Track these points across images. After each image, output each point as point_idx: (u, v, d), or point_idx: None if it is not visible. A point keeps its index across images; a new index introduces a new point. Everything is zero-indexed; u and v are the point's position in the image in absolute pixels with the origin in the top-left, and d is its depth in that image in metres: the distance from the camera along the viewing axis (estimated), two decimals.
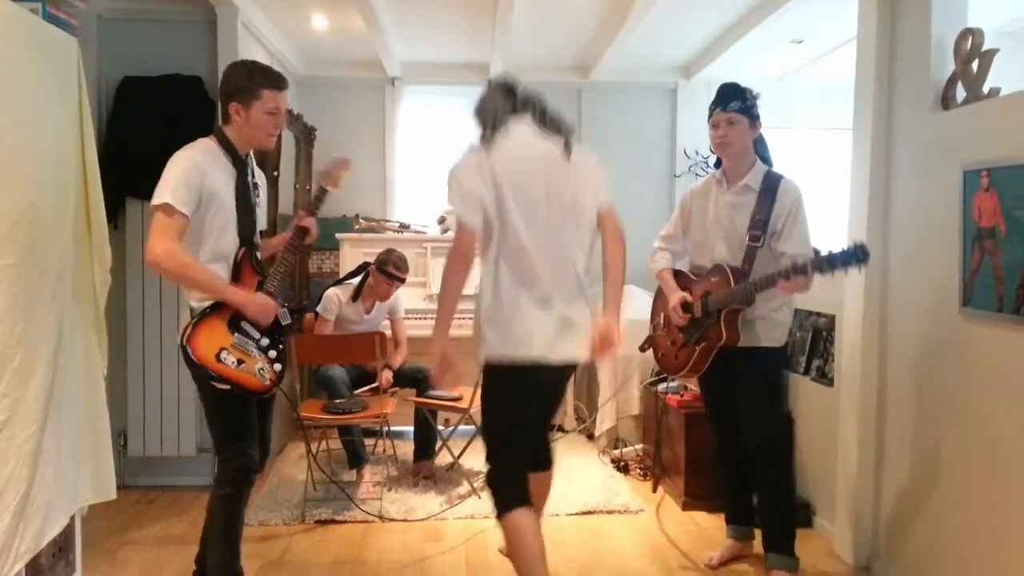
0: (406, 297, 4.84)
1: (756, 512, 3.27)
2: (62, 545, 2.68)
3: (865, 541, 3.32)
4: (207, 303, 2.61)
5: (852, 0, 3.43)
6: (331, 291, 4.50)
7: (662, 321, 3.37)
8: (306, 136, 5.39)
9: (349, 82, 5.86)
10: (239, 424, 2.68)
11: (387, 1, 4.38)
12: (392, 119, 5.96)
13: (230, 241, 2.67)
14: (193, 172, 2.54)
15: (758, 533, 3.36)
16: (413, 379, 4.50)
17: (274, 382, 2.71)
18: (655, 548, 3.55)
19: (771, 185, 3.02)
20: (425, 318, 5.18)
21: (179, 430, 4.22)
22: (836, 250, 2.62)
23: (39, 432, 2.38)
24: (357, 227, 5.54)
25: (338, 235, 5.40)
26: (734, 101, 3.08)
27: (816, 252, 2.87)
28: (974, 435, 2.70)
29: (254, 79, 2.66)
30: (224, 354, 2.58)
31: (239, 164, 2.71)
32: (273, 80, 2.69)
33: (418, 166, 6.02)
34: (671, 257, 3.39)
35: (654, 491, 4.25)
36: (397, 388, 4.46)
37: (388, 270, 4.37)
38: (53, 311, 2.50)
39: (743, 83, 3.17)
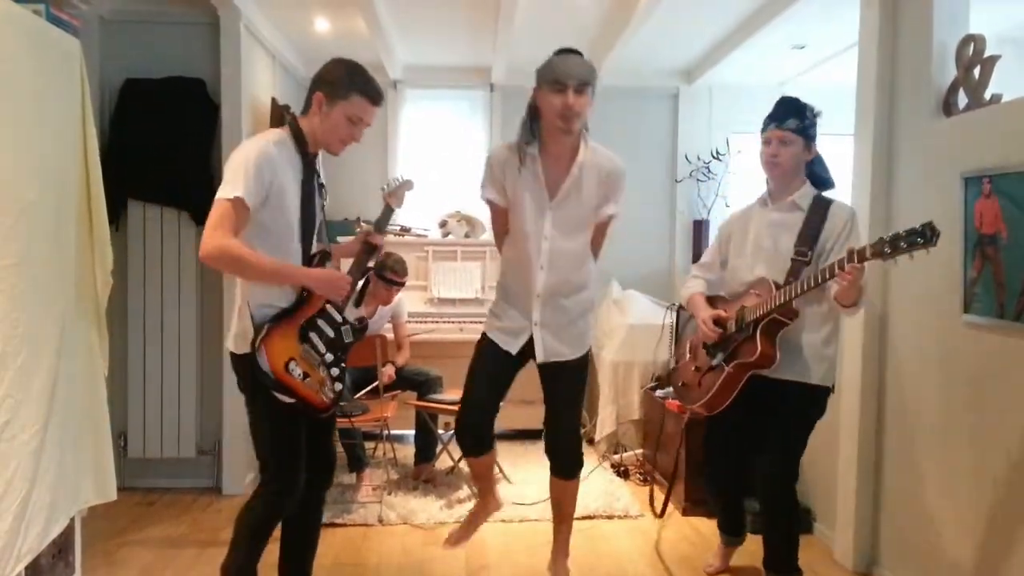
0: (408, 301, 4.84)
1: (760, 530, 3.09)
2: (62, 546, 2.68)
3: (865, 547, 3.32)
4: (272, 310, 2.42)
5: (854, 6, 3.43)
6: None
7: (687, 350, 3.17)
8: None
9: None
10: (288, 442, 2.51)
11: (389, 4, 4.39)
12: (394, 122, 5.96)
13: (292, 245, 2.46)
14: (265, 165, 2.33)
15: (754, 536, 3.37)
16: (414, 382, 4.50)
17: (334, 401, 2.55)
18: (655, 553, 3.55)
19: (822, 205, 2.82)
20: (427, 321, 5.18)
21: (179, 431, 4.22)
22: (901, 230, 2.34)
23: (41, 433, 2.39)
24: (358, 230, 5.54)
25: (339, 238, 5.39)
26: (791, 119, 2.82)
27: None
28: (975, 441, 2.70)
29: (352, 79, 2.47)
30: (292, 365, 2.41)
31: (308, 161, 2.51)
32: (370, 89, 2.49)
33: (420, 169, 6.02)
34: (705, 284, 3.15)
35: (652, 502, 4.22)
36: (398, 391, 4.46)
37: (386, 275, 4.37)
38: (54, 312, 2.50)
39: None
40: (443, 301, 5.31)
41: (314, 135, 2.50)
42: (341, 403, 4.02)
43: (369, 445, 4.64)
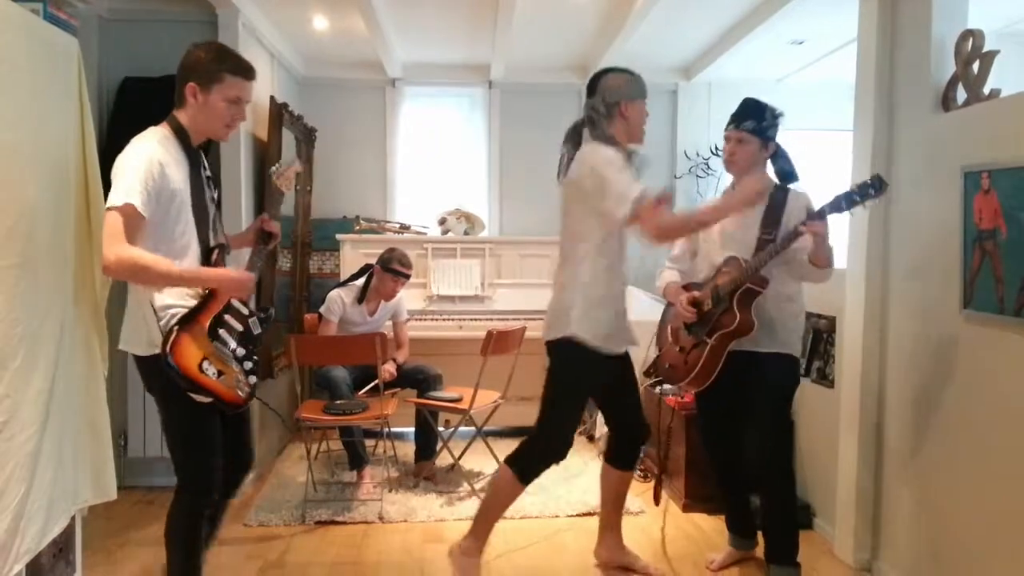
0: (407, 298, 4.84)
1: (758, 519, 3.21)
2: (62, 545, 2.68)
3: (865, 543, 3.32)
4: (178, 310, 2.38)
5: (853, 1, 3.43)
6: (334, 292, 4.50)
7: (669, 334, 3.32)
8: (306, 137, 5.39)
9: (350, 83, 5.86)
10: (204, 441, 2.46)
11: (388, 2, 4.38)
12: (392, 120, 5.96)
13: (191, 242, 2.43)
14: (155, 168, 2.27)
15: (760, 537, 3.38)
16: (414, 380, 4.50)
17: (249, 396, 2.51)
18: (655, 550, 3.55)
19: (781, 192, 3.02)
20: (426, 319, 5.19)
21: None
22: (852, 185, 2.60)
23: (40, 432, 2.38)
24: (358, 228, 5.55)
25: (339, 236, 5.40)
26: (749, 120, 3.02)
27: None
28: (975, 437, 2.70)
29: (221, 62, 2.43)
30: (206, 364, 2.36)
31: (192, 155, 2.45)
32: (241, 66, 2.46)
33: (419, 167, 6.03)
34: (678, 274, 3.33)
35: (656, 496, 4.21)
36: (398, 389, 4.46)
37: (393, 267, 4.37)
38: (54, 312, 2.50)
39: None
40: (442, 298, 5.31)
41: (196, 126, 2.46)
42: (338, 400, 4.06)
43: (369, 443, 4.64)
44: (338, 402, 4.08)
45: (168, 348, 2.31)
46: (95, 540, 3.43)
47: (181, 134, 2.44)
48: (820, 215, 2.73)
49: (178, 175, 2.37)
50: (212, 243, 2.51)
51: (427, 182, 6.02)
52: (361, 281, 4.56)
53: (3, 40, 2.22)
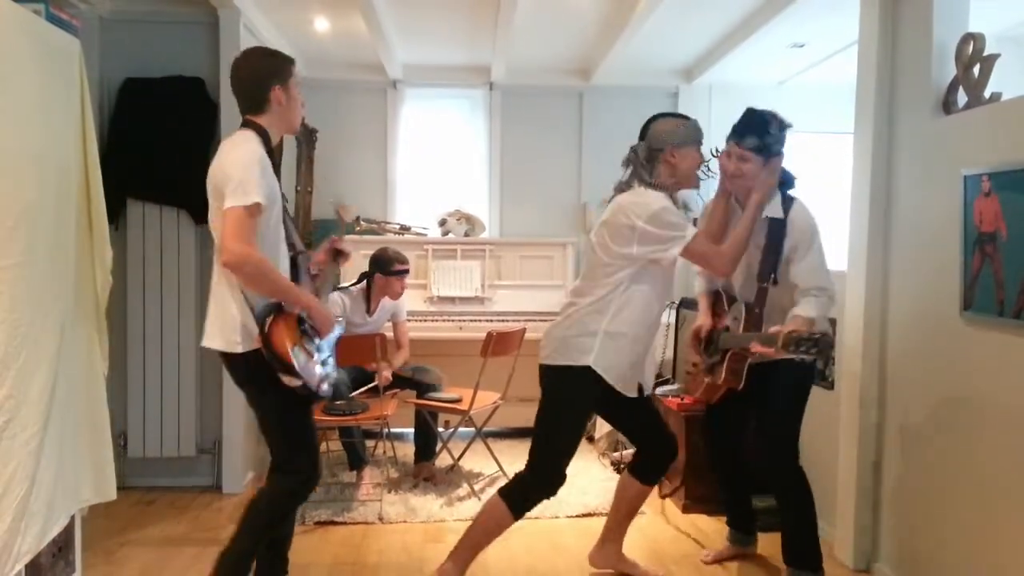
0: (407, 299, 4.84)
1: (779, 524, 3.15)
2: (62, 545, 2.68)
3: (865, 544, 3.32)
4: (269, 301, 2.45)
5: (854, 4, 3.43)
6: (335, 294, 4.50)
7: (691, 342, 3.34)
8: (307, 138, 5.40)
9: (350, 84, 5.86)
10: (303, 430, 2.59)
11: (389, 3, 4.39)
12: (393, 121, 5.96)
13: (283, 246, 2.54)
14: (267, 169, 2.39)
15: (762, 536, 3.38)
16: (414, 380, 4.50)
17: (327, 390, 2.60)
18: (655, 551, 3.55)
19: (778, 222, 2.92)
20: (426, 320, 5.19)
21: (179, 430, 4.23)
22: (806, 334, 2.58)
23: (41, 432, 2.39)
24: (358, 229, 5.55)
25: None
26: (751, 137, 2.88)
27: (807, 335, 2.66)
28: (974, 438, 2.70)
29: (284, 58, 2.55)
30: (296, 350, 2.44)
31: (275, 160, 2.54)
32: (290, 58, 2.60)
33: (419, 168, 6.03)
34: (705, 281, 3.30)
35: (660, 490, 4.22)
36: (397, 389, 4.46)
37: (395, 269, 4.35)
38: (55, 312, 2.50)
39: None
40: (442, 300, 5.31)
41: (278, 127, 2.56)
42: (338, 401, 4.06)
43: (369, 443, 4.64)
44: (338, 403, 4.08)
45: (266, 329, 2.40)
46: (95, 540, 3.42)
47: (265, 139, 2.51)
48: (770, 343, 2.72)
49: (273, 179, 2.47)
50: (297, 248, 2.62)
51: (427, 183, 6.01)
52: (363, 284, 4.55)
53: (4, 40, 2.22)
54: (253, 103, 2.52)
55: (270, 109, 2.52)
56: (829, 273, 2.89)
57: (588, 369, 2.79)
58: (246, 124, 2.53)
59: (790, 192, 3.00)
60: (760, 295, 2.94)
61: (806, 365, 2.96)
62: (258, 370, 2.46)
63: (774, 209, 2.91)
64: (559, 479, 2.90)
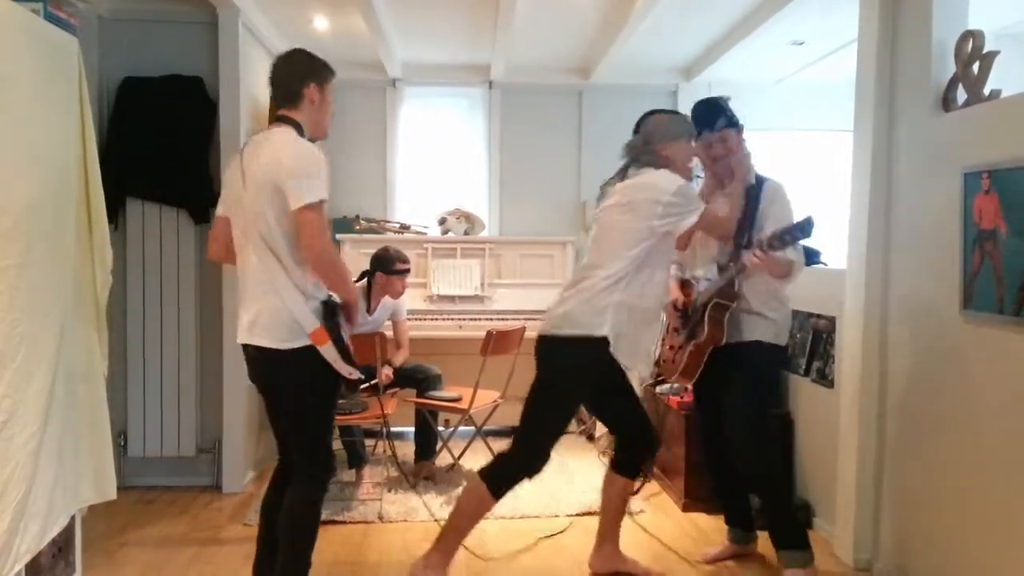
0: (407, 298, 4.84)
1: (759, 514, 3.27)
2: (62, 545, 2.68)
3: (865, 542, 3.32)
4: (324, 295, 2.53)
5: (853, 2, 3.43)
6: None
7: (666, 329, 3.42)
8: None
9: (350, 83, 5.84)
10: (331, 425, 2.73)
11: (388, 2, 4.38)
12: (393, 120, 5.96)
13: None
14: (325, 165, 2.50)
15: (762, 536, 3.38)
16: (414, 379, 4.50)
17: (358, 380, 2.70)
18: (655, 549, 3.55)
19: (755, 188, 3.13)
20: (426, 319, 5.19)
21: (179, 430, 4.23)
22: (783, 228, 2.84)
23: (40, 432, 2.38)
24: (358, 228, 5.55)
25: (339, 236, 5.40)
26: (720, 119, 3.11)
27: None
28: (974, 436, 2.70)
29: (326, 64, 2.68)
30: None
31: None
32: (330, 65, 2.72)
33: (418, 167, 6.02)
34: (676, 268, 3.39)
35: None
36: (397, 388, 4.46)
37: (396, 268, 4.35)
38: (54, 311, 2.50)
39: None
40: (442, 298, 5.31)
41: (310, 126, 2.61)
42: (342, 400, 4.06)
43: (369, 442, 4.64)
44: (338, 401, 4.07)
45: (338, 319, 2.52)
46: (95, 539, 3.43)
47: (301, 133, 2.59)
48: (760, 246, 2.89)
49: None
50: None
51: (427, 182, 6.01)
52: (363, 283, 4.55)
53: (3, 40, 2.22)
54: (288, 96, 2.59)
55: (302, 105, 2.59)
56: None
57: (602, 340, 2.81)
58: (281, 119, 2.59)
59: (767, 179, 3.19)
60: (734, 255, 3.08)
61: (776, 348, 3.18)
62: (304, 367, 2.48)
63: (749, 176, 3.13)
64: (544, 459, 2.91)
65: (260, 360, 2.56)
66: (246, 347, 2.59)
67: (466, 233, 5.65)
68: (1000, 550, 2.57)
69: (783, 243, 2.84)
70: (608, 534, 3.25)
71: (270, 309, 2.48)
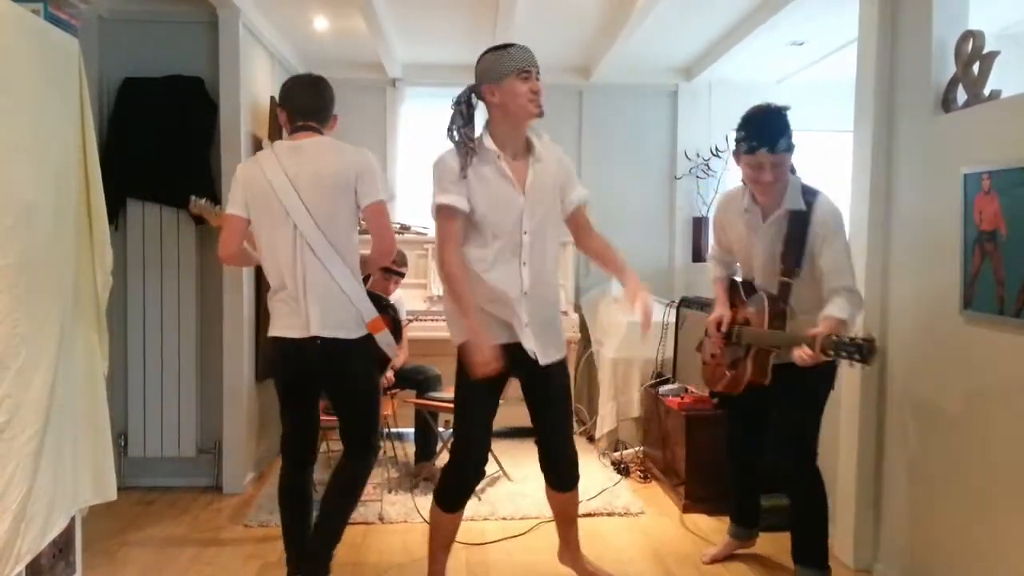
0: (407, 298, 4.84)
1: (788, 522, 3.14)
2: (62, 546, 2.68)
3: (866, 543, 3.32)
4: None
5: (853, 2, 3.43)
6: None
7: (710, 333, 3.26)
8: None
9: (350, 83, 5.84)
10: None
11: (388, 3, 4.38)
12: (393, 120, 5.95)
13: None
14: None
15: (764, 536, 3.38)
16: (413, 380, 4.50)
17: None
18: (655, 551, 3.55)
19: (808, 206, 2.85)
20: (426, 319, 5.17)
21: (179, 431, 4.23)
22: (846, 337, 2.51)
23: (40, 433, 2.38)
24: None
25: None
26: (782, 139, 2.80)
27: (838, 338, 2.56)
28: (974, 437, 2.70)
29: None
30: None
31: None
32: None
33: (419, 168, 6.02)
34: (723, 269, 3.27)
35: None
36: (397, 389, 4.46)
37: (395, 269, 4.35)
38: (54, 312, 2.50)
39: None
40: (442, 299, 5.30)
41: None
42: None
43: None
44: None
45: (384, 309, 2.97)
46: (96, 540, 3.43)
47: None
48: (811, 346, 2.59)
49: None
50: None
51: (427, 182, 5.99)
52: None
53: (3, 40, 2.22)
54: (324, 118, 2.90)
55: (331, 126, 2.92)
56: (854, 270, 2.84)
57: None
58: (315, 130, 2.85)
59: (815, 193, 2.91)
60: (783, 289, 2.88)
61: (832, 365, 2.90)
62: (368, 353, 2.83)
63: (794, 200, 2.87)
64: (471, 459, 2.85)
65: (321, 352, 2.75)
66: (302, 340, 2.75)
67: None
68: (1001, 550, 2.57)
69: (836, 354, 2.54)
70: (564, 539, 3.08)
71: (339, 303, 2.75)
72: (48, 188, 2.46)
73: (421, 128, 6.01)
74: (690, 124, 5.97)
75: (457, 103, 2.72)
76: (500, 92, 2.66)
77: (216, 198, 4.13)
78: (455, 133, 2.70)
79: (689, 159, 5.92)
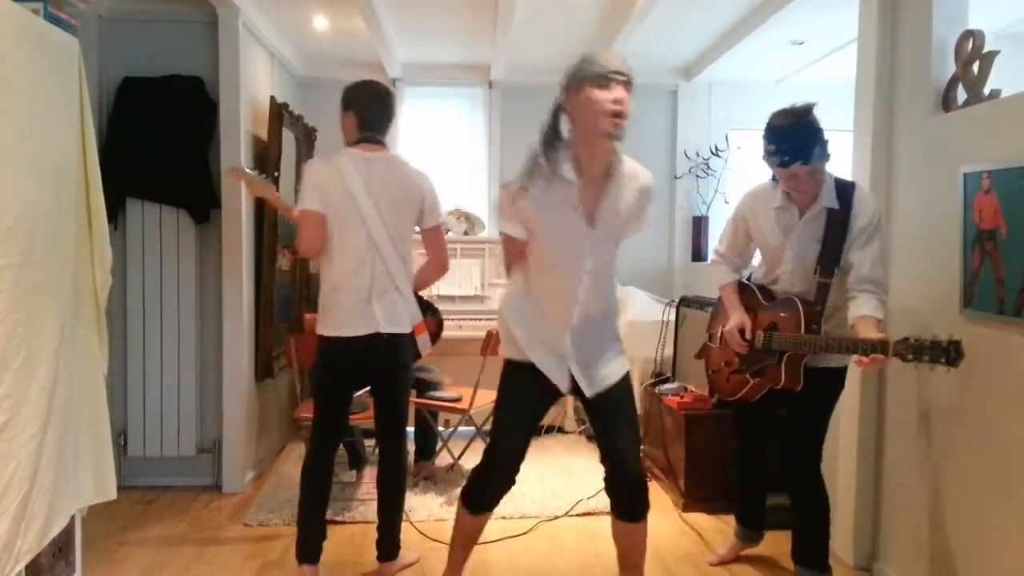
0: None
1: (789, 521, 3.12)
2: (62, 545, 2.68)
3: (865, 542, 3.32)
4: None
5: (853, 2, 3.43)
6: None
7: (719, 336, 3.17)
8: (306, 137, 5.39)
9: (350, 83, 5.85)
10: None
11: (388, 2, 4.38)
12: (393, 120, 5.94)
13: None
14: None
15: (768, 535, 3.38)
16: (414, 380, 4.49)
17: None
18: (654, 549, 3.55)
19: (844, 202, 2.76)
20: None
21: (179, 430, 4.23)
22: (927, 338, 2.39)
23: (40, 433, 2.38)
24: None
25: None
26: (816, 148, 2.65)
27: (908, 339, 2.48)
28: (974, 436, 2.70)
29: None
30: None
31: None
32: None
33: (418, 167, 6.01)
34: (733, 271, 3.14)
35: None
36: None
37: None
38: (54, 312, 2.50)
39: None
40: (443, 298, 5.31)
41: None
42: None
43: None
44: None
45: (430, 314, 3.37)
46: (95, 539, 3.43)
47: None
48: (883, 351, 2.47)
49: None
50: None
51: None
52: None
53: (3, 40, 2.22)
54: (386, 130, 3.17)
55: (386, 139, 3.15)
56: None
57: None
58: (381, 143, 3.12)
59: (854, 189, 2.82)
60: (821, 291, 2.78)
61: (845, 370, 2.92)
62: (411, 348, 3.10)
63: (830, 199, 2.77)
64: (503, 461, 2.64)
65: (386, 346, 3.00)
66: (369, 336, 2.97)
67: (466, 233, 5.65)
68: (1001, 550, 2.57)
69: (917, 359, 2.41)
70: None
71: (403, 302, 3.06)
72: (48, 188, 2.45)
73: (421, 128, 6.01)
74: (690, 124, 5.98)
75: (548, 116, 2.45)
76: (576, 104, 2.37)
77: (216, 198, 4.14)
78: (537, 152, 2.42)
79: (689, 158, 5.92)
